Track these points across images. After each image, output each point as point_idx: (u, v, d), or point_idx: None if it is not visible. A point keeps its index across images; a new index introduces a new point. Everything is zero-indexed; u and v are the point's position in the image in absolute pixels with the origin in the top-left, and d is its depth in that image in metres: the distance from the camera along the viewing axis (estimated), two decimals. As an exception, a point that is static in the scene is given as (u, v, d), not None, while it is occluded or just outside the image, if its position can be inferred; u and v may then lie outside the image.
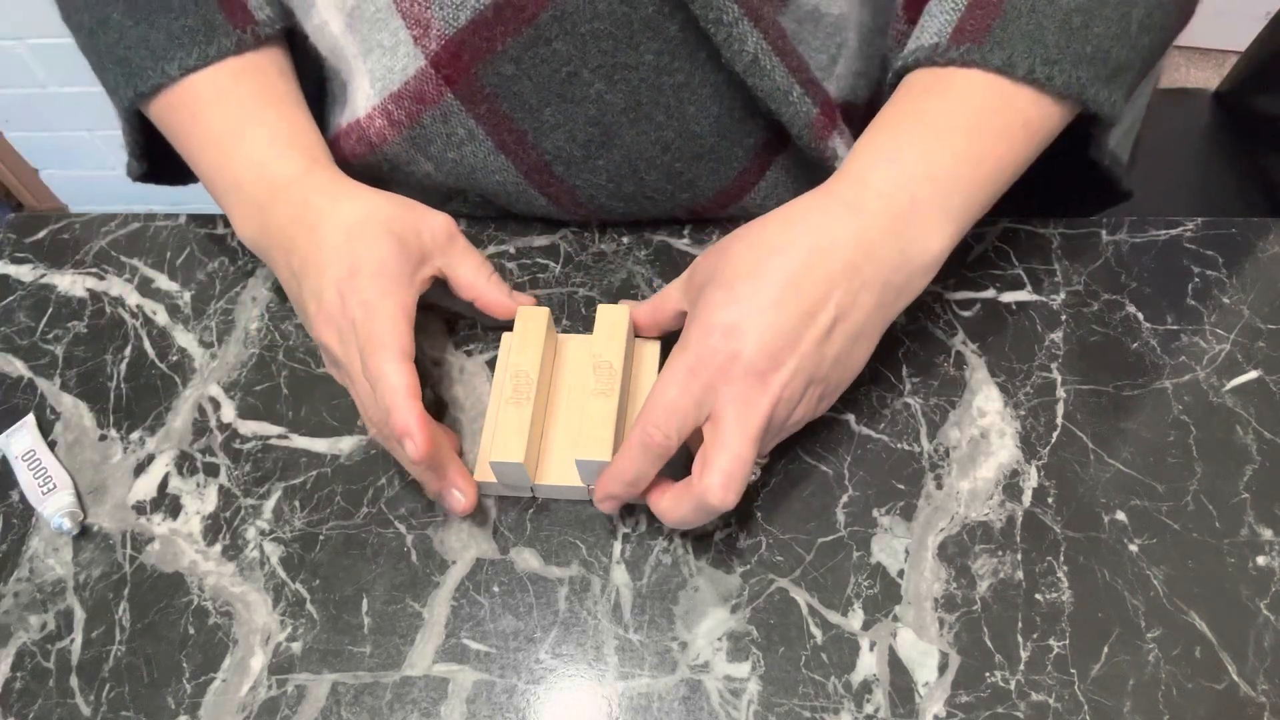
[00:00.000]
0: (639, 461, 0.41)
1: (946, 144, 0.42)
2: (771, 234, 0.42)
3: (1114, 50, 0.43)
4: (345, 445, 0.49)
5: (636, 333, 0.49)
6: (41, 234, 0.60)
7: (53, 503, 0.47)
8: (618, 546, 0.45)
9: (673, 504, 0.41)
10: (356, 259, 0.44)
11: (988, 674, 0.41)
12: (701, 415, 0.40)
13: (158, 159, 0.56)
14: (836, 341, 0.41)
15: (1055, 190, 0.55)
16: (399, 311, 0.43)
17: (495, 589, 0.45)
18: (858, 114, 0.56)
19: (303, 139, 0.50)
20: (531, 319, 0.48)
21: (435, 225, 0.48)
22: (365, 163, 0.56)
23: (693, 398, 0.40)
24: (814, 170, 0.54)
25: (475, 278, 0.49)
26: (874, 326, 0.43)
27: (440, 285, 0.49)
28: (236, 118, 0.50)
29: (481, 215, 0.58)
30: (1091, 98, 0.43)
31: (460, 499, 0.44)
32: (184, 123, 0.50)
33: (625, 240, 0.56)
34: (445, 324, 0.53)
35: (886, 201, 0.41)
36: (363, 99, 0.53)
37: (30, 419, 0.51)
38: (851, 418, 0.48)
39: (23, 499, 0.49)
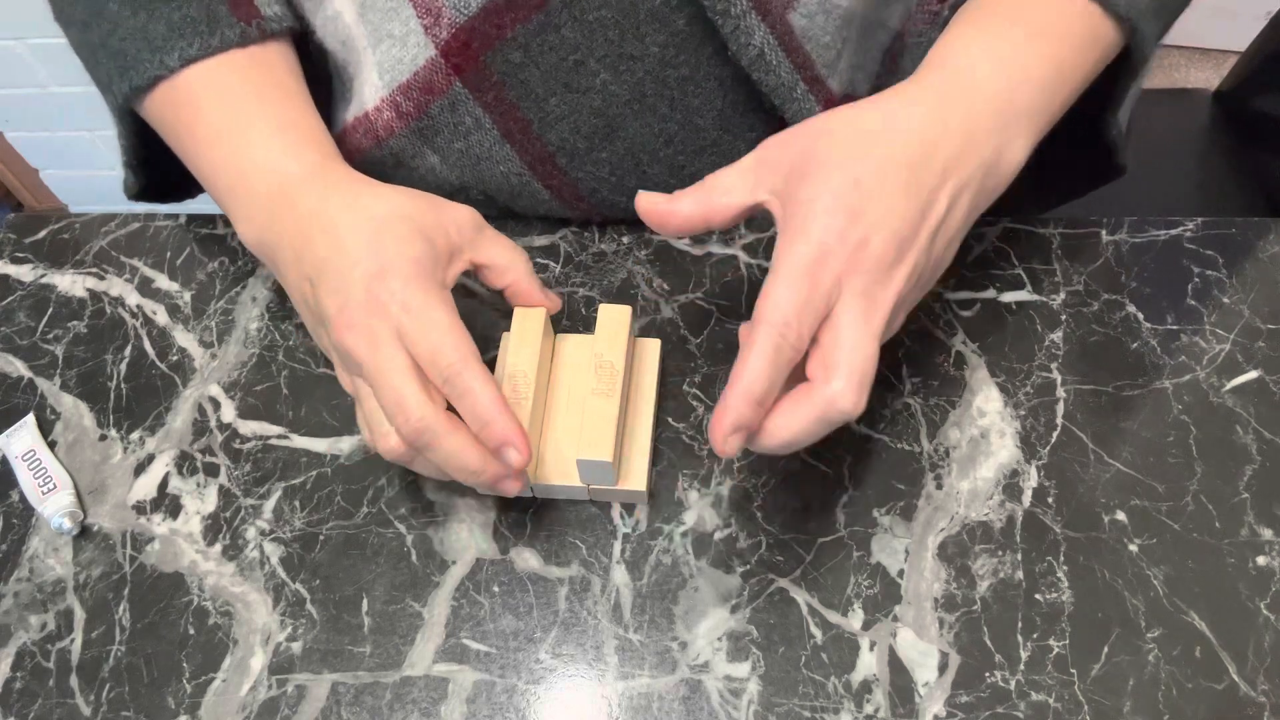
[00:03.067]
0: (771, 369, 0.35)
1: (1041, 47, 0.41)
2: (871, 121, 0.38)
3: None
4: (345, 445, 0.49)
5: (672, 228, 0.43)
6: (41, 234, 0.60)
7: (53, 503, 0.47)
8: (618, 546, 0.45)
9: (788, 418, 0.36)
10: (386, 259, 0.41)
11: (988, 674, 0.41)
12: (828, 310, 0.36)
13: (154, 170, 0.54)
14: (942, 238, 0.38)
15: (1055, 171, 0.55)
16: (451, 316, 0.40)
17: (495, 589, 0.45)
18: None
19: (313, 134, 0.48)
20: (528, 319, 0.47)
21: (461, 219, 0.45)
22: (370, 157, 0.56)
23: (822, 291, 0.35)
24: None
25: (510, 265, 0.46)
26: (964, 229, 0.40)
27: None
28: (241, 112, 0.47)
29: (482, 215, 0.58)
30: (1143, 28, 0.42)
31: (516, 456, 0.40)
32: (184, 119, 0.48)
33: (625, 240, 0.56)
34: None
35: (990, 100, 0.40)
36: (370, 91, 0.53)
37: (30, 419, 0.51)
38: (851, 418, 0.48)
39: (23, 499, 0.49)
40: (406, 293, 0.40)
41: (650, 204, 0.41)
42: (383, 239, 0.41)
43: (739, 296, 0.53)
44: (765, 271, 0.53)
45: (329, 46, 0.55)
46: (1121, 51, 0.45)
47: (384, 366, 0.39)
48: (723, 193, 0.40)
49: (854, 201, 0.36)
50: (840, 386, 0.35)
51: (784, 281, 0.36)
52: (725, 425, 0.35)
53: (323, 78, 0.58)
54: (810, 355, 0.36)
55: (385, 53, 0.52)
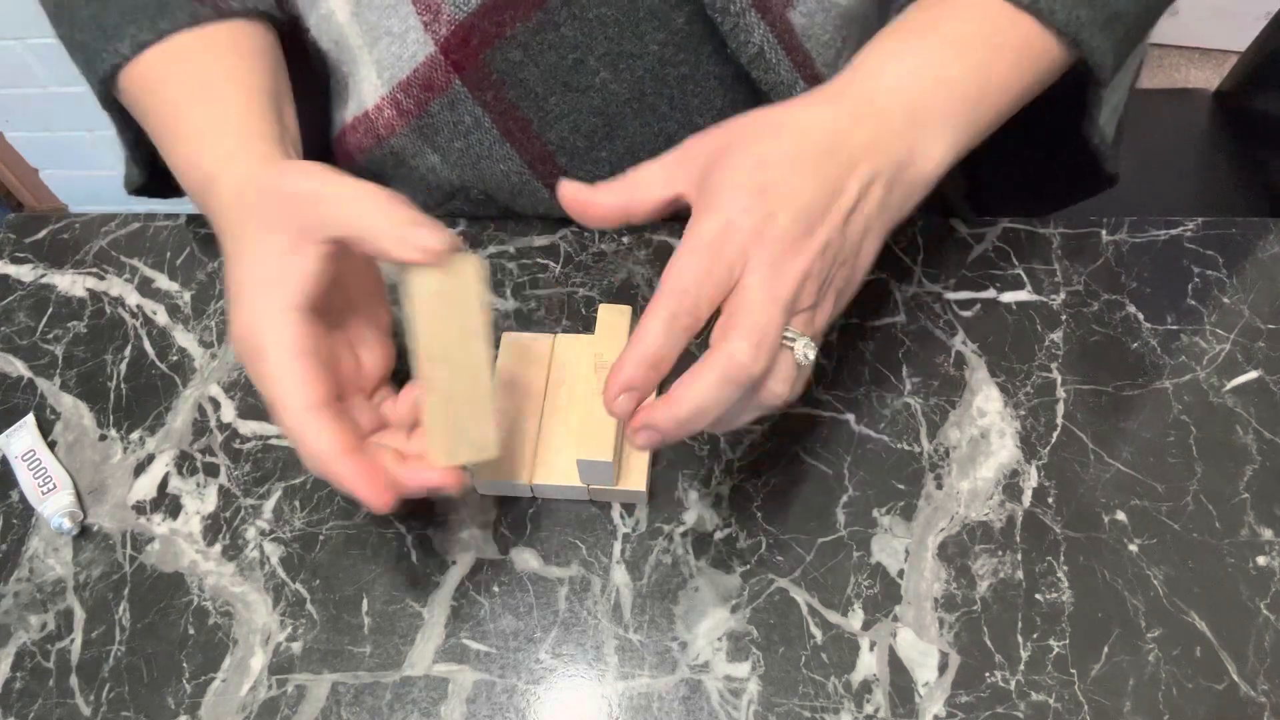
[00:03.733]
0: (665, 336, 0.35)
1: (959, 56, 0.41)
2: (784, 115, 0.39)
3: None
4: (345, 445, 0.49)
5: (591, 219, 0.40)
6: (41, 234, 0.60)
7: (53, 503, 0.47)
8: (618, 546, 0.45)
9: (692, 383, 0.35)
10: (246, 297, 0.38)
11: (988, 674, 0.41)
12: (732, 283, 0.36)
13: (156, 163, 0.53)
14: (855, 224, 0.38)
15: (1044, 180, 0.54)
16: (286, 356, 0.37)
17: (495, 589, 0.45)
18: None
19: (234, 128, 0.44)
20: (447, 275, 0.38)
21: (300, 192, 0.38)
22: (371, 157, 0.56)
23: (725, 263, 0.35)
24: None
25: (368, 230, 0.37)
26: (881, 224, 0.40)
27: None
28: (179, 98, 0.45)
29: (482, 215, 0.58)
30: (1087, 41, 0.42)
31: (375, 502, 0.37)
32: (142, 104, 0.46)
33: (625, 240, 0.56)
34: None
35: (898, 97, 0.40)
36: (370, 90, 0.53)
37: (30, 419, 0.51)
38: (851, 418, 0.48)
39: (23, 499, 0.49)
40: (254, 339, 0.38)
41: (571, 194, 0.40)
42: (246, 269, 0.39)
43: (739, 296, 0.53)
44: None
45: (323, 46, 0.55)
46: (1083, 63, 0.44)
47: (272, 404, 0.38)
48: (642, 186, 0.39)
49: (760, 178, 0.36)
50: (738, 344, 0.35)
51: (686, 252, 0.36)
52: (616, 384, 0.36)
53: (320, 77, 0.58)
54: (715, 326, 0.36)
55: (384, 50, 0.51)
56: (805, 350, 0.37)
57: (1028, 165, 0.50)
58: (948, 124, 0.41)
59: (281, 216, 0.38)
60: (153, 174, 0.54)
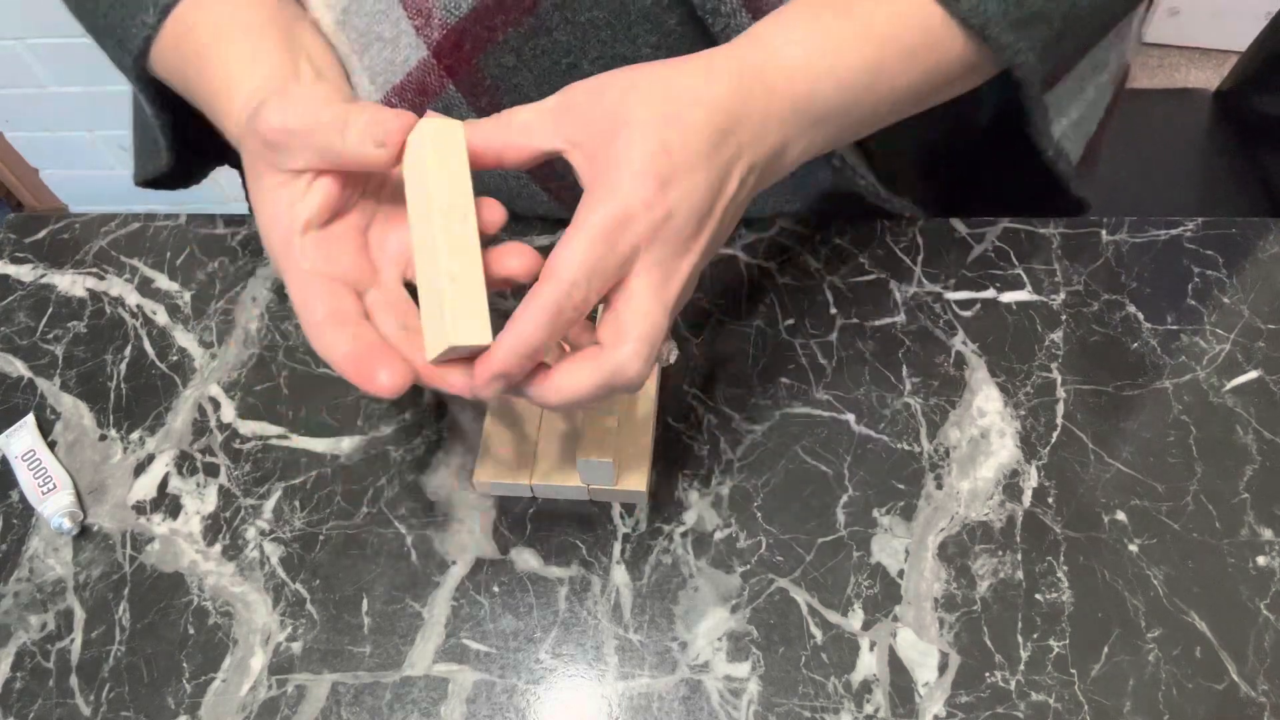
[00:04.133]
0: (549, 326, 0.34)
1: (858, 45, 0.40)
2: (680, 85, 0.37)
3: None
4: (345, 445, 0.49)
5: (471, 162, 0.37)
6: (41, 234, 0.60)
7: (53, 503, 0.47)
8: (618, 546, 0.45)
9: (574, 378, 0.35)
10: (263, 228, 0.40)
11: (988, 674, 0.41)
12: (619, 278, 0.36)
13: (186, 143, 0.53)
14: (730, 214, 0.38)
15: (1010, 199, 0.54)
16: (297, 279, 0.38)
17: (495, 589, 0.45)
18: None
19: (254, 65, 0.44)
20: (436, 134, 0.36)
21: (258, 121, 0.38)
22: None
23: (618, 256, 0.35)
24: (809, 167, 0.54)
25: (303, 124, 0.37)
26: (743, 210, 0.40)
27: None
28: (208, 43, 0.45)
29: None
30: (995, 36, 0.41)
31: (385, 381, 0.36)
32: (173, 64, 0.46)
33: (625, 240, 0.56)
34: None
35: (791, 92, 0.39)
36: (363, 96, 0.53)
37: (30, 419, 0.51)
38: (851, 418, 0.48)
39: (23, 499, 0.49)
40: (275, 266, 0.40)
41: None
42: (257, 207, 0.40)
43: (739, 296, 0.53)
44: (765, 272, 0.53)
45: None
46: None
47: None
48: (520, 130, 0.38)
49: (663, 169, 0.35)
50: (628, 352, 0.35)
51: (581, 240, 0.34)
52: (490, 370, 0.35)
53: None
54: (602, 318, 0.36)
55: (376, 55, 0.51)
56: (669, 353, 0.38)
57: (999, 187, 0.50)
58: (826, 122, 0.41)
59: (260, 158, 0.39)
60: (179, 156, 0.54)
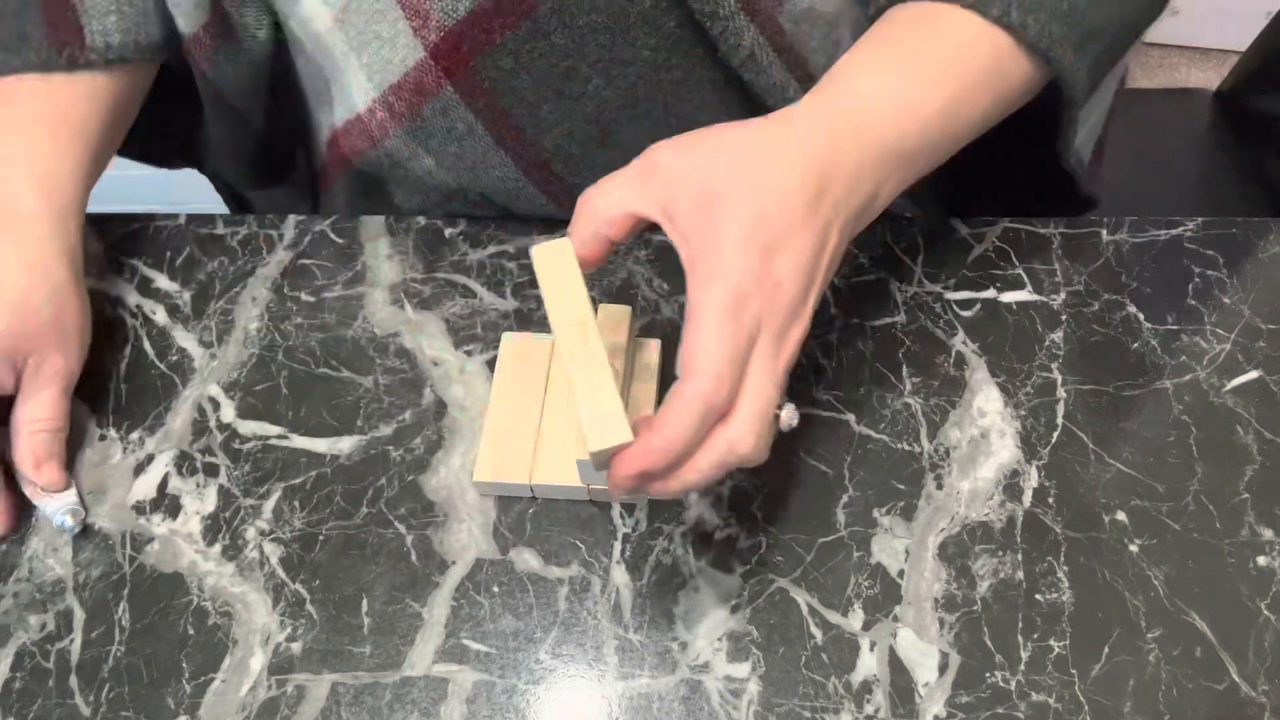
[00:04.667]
0: (700, 427, 0.33)
1: (938, 85, 0.40)
2: (768, 145, 0.37)
3: (1089, 13, 0.42)
4: (345, 445, 0.49)
5: (582, 265, 0.39)
6: (41, 234, 0.60)
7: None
8: (618, 546, 0.45)
9: (690, 465, 0.35)
10: None
11: (988, 674, 0.41)
12: (749, 358, 0.35)
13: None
14: (830, 272, 0.38)
15: (1023, 200, 0.54)
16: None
17: (495, 589, 0.45)
18: None
19: (24, 185, 0.48)
20: (556, 254, 0.39)
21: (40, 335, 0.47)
22: (367, 159, 0.56)
23: (747, 335, 0.34)
24: None
25: (37, 420, 0.47)
26: (840, 260, 0.40)
27: None
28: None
29: (481, 215, 0.58)
30: (1059, 59, 0.42)
31: None
32: None
33: (625, 240, 0.56)
34: (445, 323, 0.53)
35: (880, 140, 0.39)
36: (360, 94, 0.53)
37: (30, 419, 0.51)
38: (851, 418, 0.48)
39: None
40: None
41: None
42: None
43: (739, 296, 0.53)
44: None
45: (306, 47, 0.55)
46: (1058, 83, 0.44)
47: None
48: (608, 210, 0.38)
49: (766, 239, 0.35)
50: (742, 433, 0.34)
51: (710, 328, 0.34)
52: (634, 469, 0.34)
53: (304, 75, 0.58)
54: None
55: (373, 54, 0.51)
56: (790, 418, 0.37)
57: (1006, 185, 0.50)
58: (911, 162, 0.41)
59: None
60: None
